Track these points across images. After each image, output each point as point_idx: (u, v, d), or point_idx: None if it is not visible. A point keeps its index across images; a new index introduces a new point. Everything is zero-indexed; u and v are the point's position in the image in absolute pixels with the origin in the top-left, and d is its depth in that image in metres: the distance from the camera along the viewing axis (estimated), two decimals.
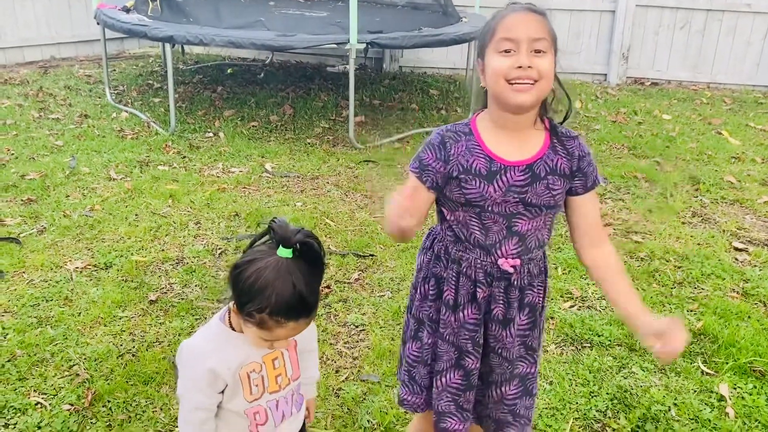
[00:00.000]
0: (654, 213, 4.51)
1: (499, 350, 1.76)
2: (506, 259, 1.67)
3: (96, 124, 6.12)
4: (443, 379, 1.77)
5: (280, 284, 1.41)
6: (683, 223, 4.42)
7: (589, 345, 3.05)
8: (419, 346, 1.83)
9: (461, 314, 1.73)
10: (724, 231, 4.29)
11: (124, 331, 3.13)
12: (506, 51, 1.55)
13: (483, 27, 1.65)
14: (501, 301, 1.71)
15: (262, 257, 1.45)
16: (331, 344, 3.08)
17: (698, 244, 4.10)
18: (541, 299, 1.78)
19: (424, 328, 1.81)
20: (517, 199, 1.64)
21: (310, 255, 1.46)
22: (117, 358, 2.93)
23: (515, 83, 1.55)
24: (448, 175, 1.65)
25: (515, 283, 1.71)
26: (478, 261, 1.69)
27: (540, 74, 1.55)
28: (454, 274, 1.72)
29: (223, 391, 1.57)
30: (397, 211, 1.48)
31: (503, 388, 1.81)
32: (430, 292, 1.77)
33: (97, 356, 2.93)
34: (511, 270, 1.69)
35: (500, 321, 1.73)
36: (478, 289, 1.70)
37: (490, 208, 1.64)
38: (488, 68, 1.60)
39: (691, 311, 3.34)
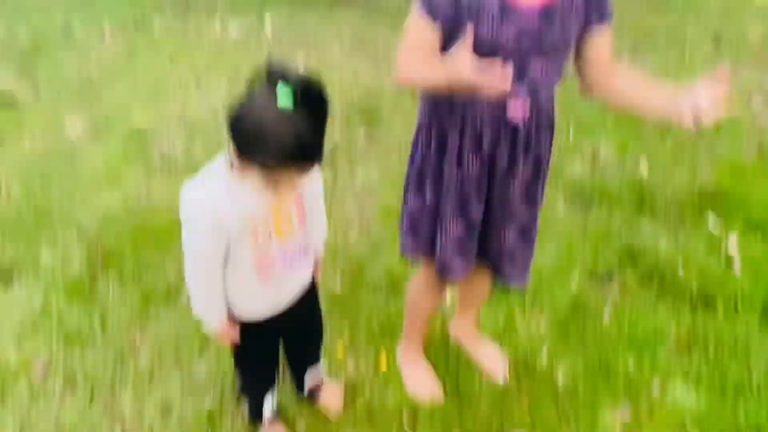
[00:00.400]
0: (673, 71, 4.33)
1: (502, 199, 1.73)
2: (515, 102, 1.59)
3: None
4: (447, 230, 1.75)
5: (281, 128, 1.32)
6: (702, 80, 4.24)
7: (597, 203, 3.02)
8: (421, 202, 1.79)
9: (465, 166, 1.67)
10: (743, 89, 4.13)
11: (129, 191, 3.10)
12: None
13: None
14: (506, 153, 1.66)
15: (261, 100, 1.33)
16: (339, 204, 3.06)
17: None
18: (546, 150, 1.72)
19: (426, 182, 1.76)
20: (532, 42, 1.53)
21: (311, 95, 1.34)
22: (125, 217, 2.92)
23: None
24: (458, 12, 1.53)
25: (522, 132, 1.64)
26: (485, 108, 1.60)
27: None
28: (458, 124, 1.64)
29: (229, 241, 1.53)
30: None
31: (504, 238, 1.80)
32: (433, 144, 1.71)
33: (104, 216, 2.93)
34: (520, 117, 1.61)
35: (504, 173, 1.69)
36: (483, 139, 1.64)
37: (500, 53, 1.52)
38: None
39: (705, 167, 3.27)
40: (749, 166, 3.27)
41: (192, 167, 3.19)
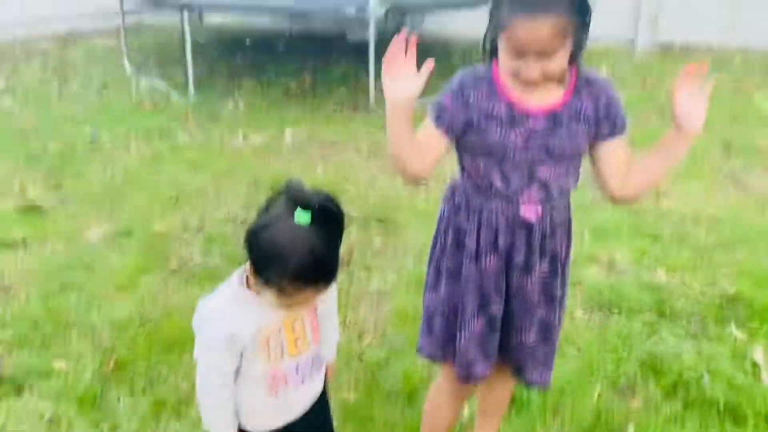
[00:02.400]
0: (684, 177, 4.38)
1: (521, 296, 1.73)
2: (528, 205, 1.63)
3: (116, 95, 6.10)
4: (469, 327, 1.74)
5: (299, 250, 1.35)
6: (714, 187, 4.28)
7: (617, 311, 2.97)
8: (437, 297, 1.80)
9: (483, 262, 1.69)
10: (756, 195, 4.15)
11: (145, 298, 3.11)
12: (515, 54, 1.50)
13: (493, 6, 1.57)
14: (522, 249, 1.68)
15: (279, 221, 1.38)
16: (353, 309, 3.04)
17: (731, 207, 3.97)
18: (563, 248, 1.73)
19: (442, 279, 1.78)
20: (539, 146, 1.60)
21: (328, 217, 1.39)
22: (139, 325, 2.92)
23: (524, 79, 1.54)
24: (467, 121, 1.59)
25: (537, 231, 1.67)
26: (500, 209, 1.65)
27: (547, 75, 1.52)
28: (475, 224, 1.68)
29: (241, 355, 1.53)
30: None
31: (524, 335, 1.78)
32: (450, 243, 1.74)
33: (119, 323, 2.92)
34: (533, 218, 1.64)
35: (521, 268, 1.70)
36: (499, 238, 1.67)
37: (511, 156, 1.59)
38: (500, 54, 1.56)
39: (725, 275, 3.23)
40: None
41: (209, 274, 3.25)
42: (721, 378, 2.54)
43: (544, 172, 1.62)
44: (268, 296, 1.46)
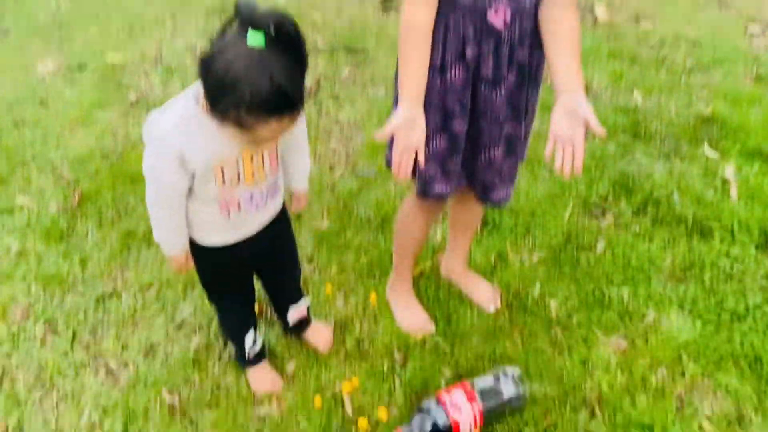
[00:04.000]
0: None
1: (488, 112, 1.65)
2: (496, 13, 1.50)
3: None
4: (429, 145, 1.67)
5: (255, 76, 1.22)
6: (697, 8, 4.11)
7: (591, 132, 2.92)
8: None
9: (448, 75, 1.59)
10: (740, 15, 4.00)
11: (105, 132, 2.98)
12: None
13: None
14: (490, 61, 1.57)
15: (231, 46, 1.24)
16: (323, 141, 2.96)
17: (712, 29, 3.83)
18: (533, 57, 1.62)
19: None
20: None
21: (285, 38, 1.24)
22: (101, 159, 2.81)
23: None
24: None
25: (505, 39, 1.55)
26: (468, 16, 1.52)
27: None
28: (441, 35, 1.55)
29: (193, 176, 1.44)
30: None
31: (492, 152, 1.73)
32: None
33: (80, 158, 2.82)
34: (501, 26, 1.52)
35: (489, 81, 1.60)
36: (467, 48, 1.55)
37: None
38: None
39: (701, 97, 3.18)
40: (745, 94, 3.17)
41: None
42: (690, 195, 2.57)
43: None
44: (230, 132, 1.35)
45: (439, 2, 1.52)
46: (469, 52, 1.56)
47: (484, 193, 1.85)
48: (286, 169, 1.68)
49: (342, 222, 2.51)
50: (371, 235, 2.45)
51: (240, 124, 1.29)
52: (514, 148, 1.76)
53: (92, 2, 4.12)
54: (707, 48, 3.61)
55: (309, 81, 3.31)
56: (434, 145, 1.68)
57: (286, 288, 1.95)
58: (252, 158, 1.48)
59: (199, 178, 1.44)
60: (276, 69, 1.23)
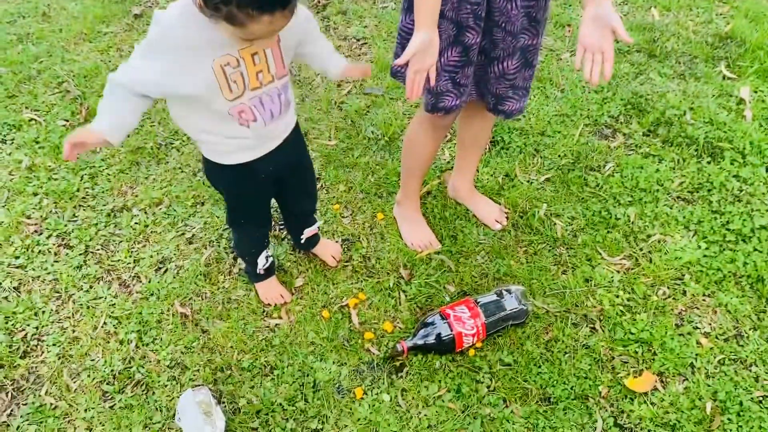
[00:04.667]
0: None
1: (503, 24, 1.62)
2: None
3: None
4: (441, 58, 1.64)
5: None
6: None
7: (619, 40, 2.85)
8: (411, 19, 1.66)
9: None
10: None
11: (110, 46, 2.94)
12: None
13: None
14: None
15: None
16: None
17: None
18: None
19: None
20: None
21: None
22: (107, 74, 2.77)
23: None
24: None
25: None
26: None
27: None
28: None
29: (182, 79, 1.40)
30: None
31: (505, 63, 1.71)
32: None
33: (86, 72, 2.79)
34: None
35: None
36: None
37: None
38: None
39: (721, 14, 3.07)
40: (766, 14, 3.06)
41: None
42: (703, 115, 2.53)
43: None
44: (222, 29, 1.32)
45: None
46: None
47: (497, 105, 1.83)
48: (315, 64, 1.66)
49: (350, 140, 2.50)
50: (379, 154, 2.44)
51: (232, 21, 1.27)
52: (530, 59, 1.73)
53: None
54: None
55: None
56: (446, 58, 1.65)
57: (305, 209, 1.96)
58: (253, 59, 1.45)
59: (206, 92, 1.42)
60: None
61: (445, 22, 1.59)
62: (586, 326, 1.91)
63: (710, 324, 1.91)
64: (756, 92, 2.62)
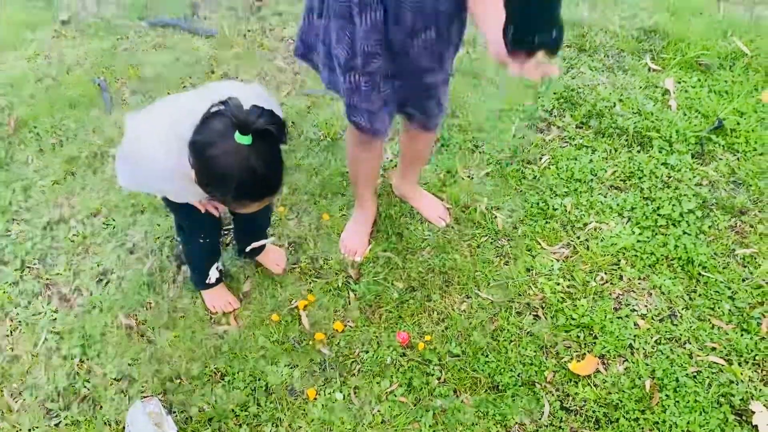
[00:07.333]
0: None
1: (405, 55, 1.60)
2: None
3: None
4: (347, 82, 1.64)
5: (242, 173, 1.29)
6: None
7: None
8: (318, 25, 1.64)
9: (366, 17, 1.51)
10: None
11: (38, 54, 2.85)
12: None
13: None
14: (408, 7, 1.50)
15: (220, 141, 1.28)
16: (269, 60, 2.89)
17: None
18: (450, 16, 1.57)
19: (331, 17, 1.58)
20: None
21: (271, 136, 1.29)
22: (36, 82, 2.70)
23: None
24: None
25: None
26: None
27: None
28: None
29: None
30: None
31: (415, 82, 1.69)
32: None
33: (13, 81, 2.69)
34: None
35: (407, 29, 1.54)
36: None
37: None
38: None
39: (644, 9, 3.20)
40: (687, 6, 3.21)
41: (107, 26, 2.96)
42: (632, 106, 2.63)
43: None
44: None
45: None
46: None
47: (410, 119, 1.85)
48: None
49: (292, 142, 2.50)
50: (322, 155, 2.45)
51: (224, 202, 1.46)
52: (441, 96, 1.77)
53: None
54: None
55: None
56: (352, 81, 1.63)
57: (258, 230, 1.98)
58: None
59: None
60: (261, 164, 1.30)
61: (344, 47, 1.58)
62: (530, 314, 1.97)
63: (646, 306, 2.00)
64: (679, 83, 2.74)
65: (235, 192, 1.33)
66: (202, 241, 1.83)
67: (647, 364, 1.86)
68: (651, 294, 2.03)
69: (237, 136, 1.28)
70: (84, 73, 2.73)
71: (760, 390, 1.80)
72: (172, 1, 3.18)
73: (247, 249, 1.99)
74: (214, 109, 1.33)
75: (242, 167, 1.29)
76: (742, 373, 1.83)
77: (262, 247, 2.06)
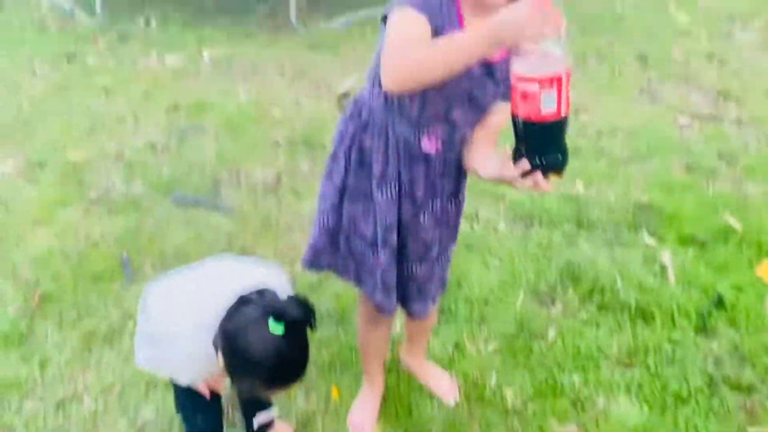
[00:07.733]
0: (603, 91, 4.50)
1: (416, 231, 1.74)
2: (429, 140, 1.61)
3: (15, 15, 5.65)
4: (377, 256, 1.76)
5: (273, 363, 1.37)
6: (631, 100, 4.43)
7: (539, 222, 3.10)
8: (337, 216, 1.78)
9: (387, 188, 1.66)
10: (669, 107, 4.32)
11: (66, 230, 3.02)
12: None
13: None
14: (422, 183, 1.66)
15: (253, 328, 1.38)
16: (284, 235, 3.05)
17: (645, 120, 4.13)
18: (458, 185, 1.74)
19: (345, 200, 1.75)
20: (464, 90, 1.53)
21: (302, 325, 1.41)
22: (62, 258, 2.83)
23: None
24: (434, 28, 1.43)
25: (434, 161, 1.64)
26: (403, 135, 1.61)
27: None
28: (382, 146, 1.63)
29: None
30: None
31: (415, 268, 1.81)
32: (354, 161, 1.68)
33: (40, 258, 2.84)
34: (433, 152, 1.62)
35: (418, 203, 1.70)
36: (401, 168, 1.64)
37: (442, 87, 1.48)
38: None
39: (638, 186, 3.40)
40: (678, 183, 3.41)
41: (133, 203, 3.16)
42: (632, 281, 2.72)
43: (457, 115, 1.57)
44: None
45: (383, 112, 1.60)
46: (405, 174, 1.64)
47: (403, 303, 1.92)
48: None
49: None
50: (332, 329, 2.51)
51: (251, 390, 1.49)
52: (442, 268, 1.88)
53: (54, 102, 4.21)
54: (642, 138, 3.88)
55: (270, 176, 3.43)
56: (381, 258, 1.74)
57: (258, 403, 2.00)
58: None
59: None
60: (294, 353, 1.38)
61: (374, 220, 1.72)
62: None
63: None
64: (676, 257, 2.85)
65: (266, 381, 1.37)
66: (204, 418, 1.85)
67: None
68: None
69: (271, 324, 1.33)
70: (108, 249, 2.88)
71: None
72: (197, 178, 3.41)
73: (255, 425, 1.99)
74: (245, 295, 1.39)
75: (276, 356, 1.34)
76: None
77: (271, 423, 2.06)
